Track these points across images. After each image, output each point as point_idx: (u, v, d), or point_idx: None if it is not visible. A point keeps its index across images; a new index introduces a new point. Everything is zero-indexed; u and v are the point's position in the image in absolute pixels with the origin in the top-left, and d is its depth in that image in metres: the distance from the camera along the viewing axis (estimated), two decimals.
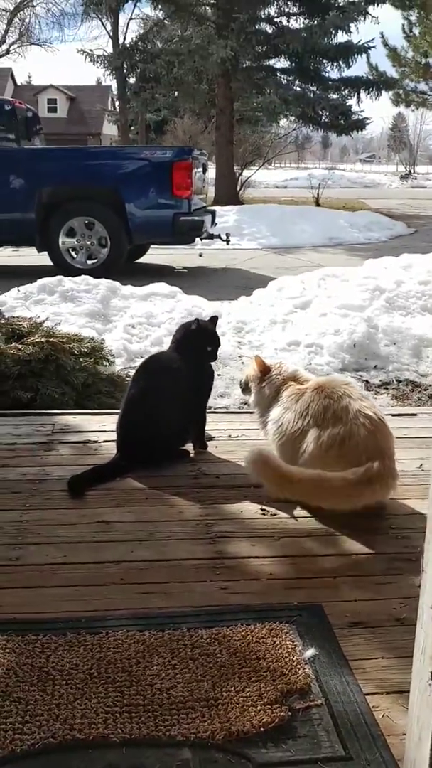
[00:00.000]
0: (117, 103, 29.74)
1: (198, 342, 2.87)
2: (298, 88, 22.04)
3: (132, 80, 23.93)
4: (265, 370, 2.70)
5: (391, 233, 15.16)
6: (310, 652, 1.69)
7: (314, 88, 22.19)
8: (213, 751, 1.42)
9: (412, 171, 51.36)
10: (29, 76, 56.00)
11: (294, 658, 1.66)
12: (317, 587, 1.99)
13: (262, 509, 2.45)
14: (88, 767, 1.38)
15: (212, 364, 3.00)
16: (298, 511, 2.43)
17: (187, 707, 1.52)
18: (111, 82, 31.28)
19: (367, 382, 4.65)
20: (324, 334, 5.10)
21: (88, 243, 8.84)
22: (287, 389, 2.59)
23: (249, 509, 2.45)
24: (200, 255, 11.02)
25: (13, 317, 4.65)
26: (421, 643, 1.24)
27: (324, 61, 21.80)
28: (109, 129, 41.79)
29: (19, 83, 48.73)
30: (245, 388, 2.83)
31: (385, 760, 1.41)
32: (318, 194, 19.74)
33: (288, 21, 21.71)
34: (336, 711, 1.53)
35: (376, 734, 1.47)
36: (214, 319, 3.00)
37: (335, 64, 21.58)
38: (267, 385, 2.67)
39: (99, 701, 1.53)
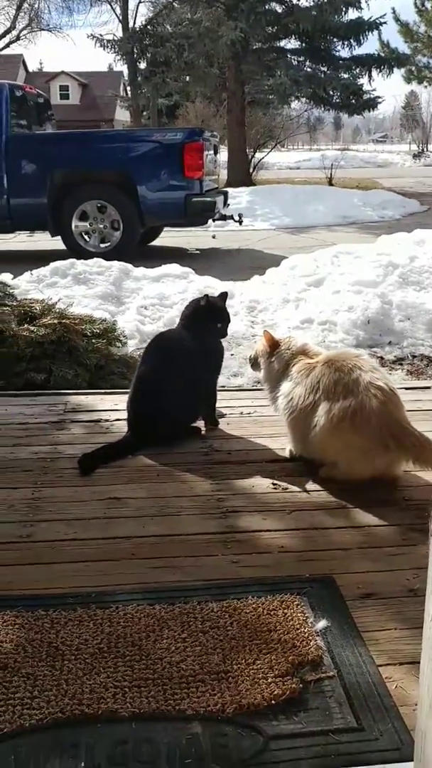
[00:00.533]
0: (128, 89, 29.55)
1: (207, 318, 2.84)
2: (308, 69, 21.82)
3: (143, 65, 23.77)
4: (274, 345, 2.67)
5: (404, 211, 15.00)
6: (321, 623, 1.67)
7: (325, 68, 21.94)
8: (223, 724, 1.40)
9: (425, 149, 50.70)
10: (41, 63, 55.94)
11: (305, 630, 1.64)
12: (329, 559, 1.96)
13: (274, 484, 2.42)
14: (97, 742, 1.36)
15: (224, 343, 2.97)
16: (310, 485, 2.41)
17: (197, 681, 1.50)
18: (122, 67, 31.10)
19: (381, 358, 4.59)
20: (337, 311, 5.04)
21: (101, 226, 8.81)
22: (297, 364, 2.55)
23: (260, 484, 2.43)
24: (213, 237, 10.96)
25: (26, 300, 4.64)
26: (430, 609, 1.21)
27: (334, 39, 21.57)
28: (122, 115, 41.63)
29: (30, 70, 48.61)
30: (254, 364, 2.80)
31: (397, 731, 1.38)
32: (331, 174, 19.57)
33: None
34: (348, 682, 1.50)
35: (389, 705, 1.45)
36: (223, 296, 2.96)
37: (346, 42, 21.34)
38: (276, 360, 2.63)
39: (108, 676, 1.52)
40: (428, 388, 3.47)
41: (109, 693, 1.47)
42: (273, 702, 1.44)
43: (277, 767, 1.30)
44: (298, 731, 1.38)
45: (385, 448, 2.26)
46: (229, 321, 2.90)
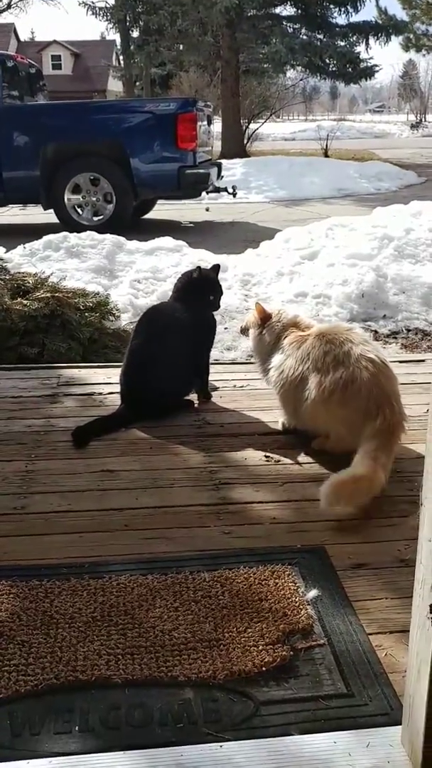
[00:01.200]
0: (121, 58, 29.12)
1: (200, 291, 2.83)
2: (304, 37, 21.49)
3: (135, 33, 23.41)
4: (265, 317, 2.67)
5: (401, 183, 14.89)
6: (312, 593, 1.69)
7: (321, 36, 21.62)
8: (215, 690, 1.43)
9: (423, 119, 50.10)
10: (32, 32, 55.19)
11: (296, 599, 1.67)
12: (320, 530, 1.98)
13: (266, 456, 2.44)
14: (91, 707, 1.39)
15: (218, 316, 2.96)
16: (302, 458, 2.43)
17: (189, 648, 1.53)
18: (115, 36, 30.60)
19: (375, 332, 4.60)
20: (332, 285, 5.03)
21: (94, 199, 8.73)
22: (288, 336, 2.56)
23: (253, 456, 2.45)
24: (207, 209, 10.88)
25: (19, 273, 4.62)
26: (420, 577, 1.23)
27: (331, 6, 21.24)
28: (115, 85, 41.11)
29: (22, 39, 47.88)
30: (245, 332, 2.81)
31: (386, 696, 1.41)
32: (326, 145, 19.39)
33: None
34: (338, 650, 1.53)
35: (378, 672, 1.47)
36: (216, 268, 2.95)
37: (343, 9, 21.02)
38: (267, 332, 2.64)
39: (101, 644, 1.54)
40: (422, 361, 3.48)
41: (103, 660, 1.49)
42: (264, 669, 1.47)
43: (267, 731, 1.33)
44: (288, 697, 1.41)
45: (368, 415, 2.26)
46: (221, 293, 2.90)
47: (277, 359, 2.54)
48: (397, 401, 2.34)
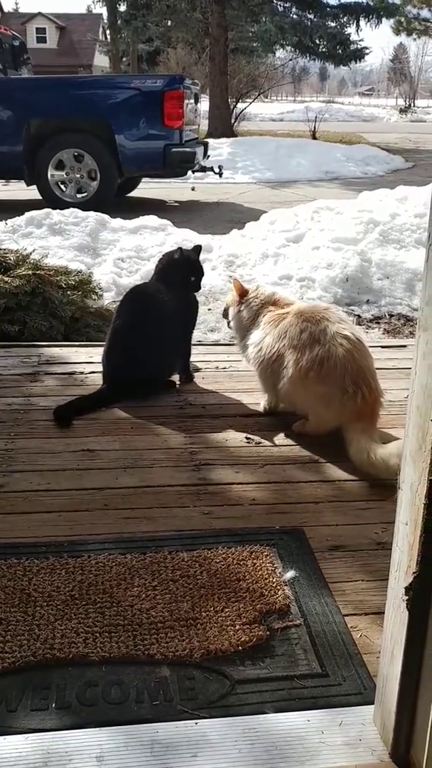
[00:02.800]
0: (108, 33, 28.72)
1: (181, 272, 2.82)
2: (294, 16, 21.26)
3: (123, 7, 23.06)
4: (243, 293, 2.69)
5: (388, 167, 14.87)
6: (290, 573, 1.71)
7: (311, 16, 21.40)
8: (191, 668, 1.44)
9: (412, 104, 49.89)
10: (16, 3, 54.17)
11: (274, 580, 1.68)
12: (299, 512, 2.00)
13: (247, 438, 2.45)
14: (68, 684, 1.40)
15: (201, 297, 2.95)
16: (283, 440, 2.44)
17: (167, 627, 1.54)
18: (101, 9, 30.14)
19: (359, 316, 4.60)
20: (316, 268, 5.03)
21: (78, 176, 8.64)
22: (267, 314, 2.58)
23: (234, 438, 2.45)
24: (193, 189, 10.82)
25: (0, 249, 4.56)
26: (396, 559, 1.24)
27: None
28: (101, 60, 40.56)
29: (6, 10, 47.02)
30: (226, 316, 2.82)
31: (360, 677, 1.43)
32: (314, 127, 19.30)
33: None
34: (314, 631, 1.55)
35: (353, 653, 1.49)
36: (197, 249, 2.94)
37: None
38: (245, 309, 2.66)
39: (79, 622, 1.55)
40: (404, 346, 3.50)
41: (80, 638, 1.50)
42: (240, 648, 1.48)
43: (243, 709, 1.35)
44: (263, 676, 1.43)
45: (345, 392, 2.28)
46: (202, 274, 2.90)
47: (255, 336, 2.56)
48: (373, 377, 2.35)
